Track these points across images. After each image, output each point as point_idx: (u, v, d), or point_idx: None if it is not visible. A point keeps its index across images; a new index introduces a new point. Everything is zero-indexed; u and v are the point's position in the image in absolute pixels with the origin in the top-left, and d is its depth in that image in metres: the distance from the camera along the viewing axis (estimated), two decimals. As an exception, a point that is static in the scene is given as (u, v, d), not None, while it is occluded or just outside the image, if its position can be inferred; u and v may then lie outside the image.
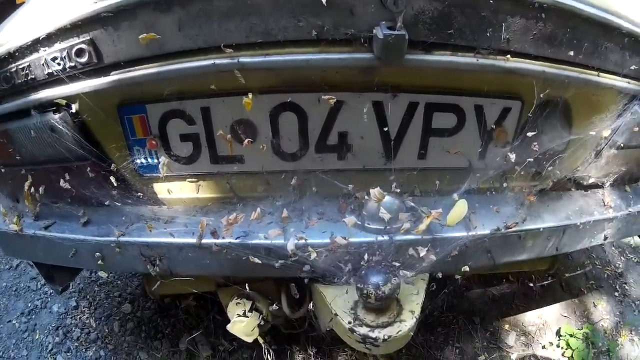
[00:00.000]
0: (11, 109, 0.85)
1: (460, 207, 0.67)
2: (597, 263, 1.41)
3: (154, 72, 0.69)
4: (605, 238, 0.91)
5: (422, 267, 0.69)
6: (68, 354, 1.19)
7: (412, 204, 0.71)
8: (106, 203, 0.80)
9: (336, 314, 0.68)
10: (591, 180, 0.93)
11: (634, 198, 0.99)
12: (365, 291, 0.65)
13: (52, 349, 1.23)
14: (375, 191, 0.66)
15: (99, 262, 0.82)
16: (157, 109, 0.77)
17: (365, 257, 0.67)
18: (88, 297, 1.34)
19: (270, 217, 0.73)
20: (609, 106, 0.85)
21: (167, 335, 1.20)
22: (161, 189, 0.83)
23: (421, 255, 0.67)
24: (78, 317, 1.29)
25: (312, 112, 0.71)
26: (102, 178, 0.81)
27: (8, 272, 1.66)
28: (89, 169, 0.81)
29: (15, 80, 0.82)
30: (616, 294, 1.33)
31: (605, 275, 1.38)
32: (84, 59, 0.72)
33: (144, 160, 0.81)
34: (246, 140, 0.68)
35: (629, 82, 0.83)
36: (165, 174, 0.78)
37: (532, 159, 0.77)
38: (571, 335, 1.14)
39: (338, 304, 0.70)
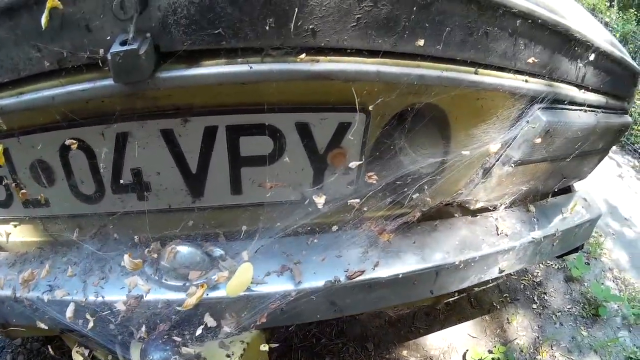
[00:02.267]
0: None
1: (245, 273, 0.38)
2: (512, 273, 0.99)
3: None
4: (501, 271, 0.55)
5: (217, 337, 0.39)
6: None
7: (221, 252, 0.40)
8: None
9: None
10: (480, 204, 0.56)
11: (539, 220, 0.61)
12: None
13: None
14: (126, 259, 0.37)
15: None
16: None
17: (143, 328, 0.38)
18: None
19: (75, 268, 0.45)
20: (499, 113, 0.46)
21: None
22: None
23: (207, 325, 0.37)
24: None
25: (99, 147, 0.48)
26: None
27: None
28: None
29: None
30: (534, 305, 0.95)
31: (522, 286, 1.00)
32: None
33: None
34: (20, 193, 0.50)
35: (525, 81, 0.45)
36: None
37: (378, 189, 0.43)
38: None
39: None
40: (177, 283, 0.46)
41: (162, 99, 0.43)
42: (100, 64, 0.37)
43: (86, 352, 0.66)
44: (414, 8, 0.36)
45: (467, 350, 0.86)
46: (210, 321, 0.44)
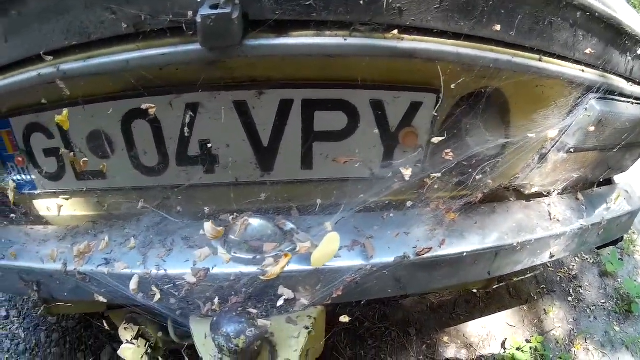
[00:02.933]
0: None
1: (331, 243, 0.41)
2: (549, 265, 1.06)
3: None
4: (552, 256, 0.60)
5: (293, 309, 0.43)
6: None
7: (293, 226, 0.44)
8: (10, 230, 0.60)
9: (201, 358, 0.44)
10: (534, 189, 0.61)
11: (587, 208, 0.66)
12: (216, 342, 0.40)
13: None
14: (208, 226, 0.40)
15: None
16: (19, 122, 0.62)
17: (216, 300, 0.41)
18: (18, 306, 1.17)
19: (135, 240, 0.49)
20: (556, 100, 0.51)
21: (90, 347, 1.03)
22: (41, 207, 0.66)
23: (285, 297, 0.41)
24: (8, 327, 1.13)
25: (166, 118, 0.50)
26: None
27: None
28: None
29: None
30: (570, 298, 1.01)
31: (558, 279, 1.06)
32: None
33: (19, 177, 0.60)
34: (81, 161, 0.51)
35: (582, 71, 0.49)
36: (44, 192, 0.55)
37: (450, 168, 0.47)
38: (518, 349, 0.85)
39: (207, 347, 0.46)
40: (247, 256, 0.48)
41: (238, 70, 0.44)
42: (185, 28, 0.38)
43: (135, 329, 0.69)
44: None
45: (506, 338, 0.92)
46: (287, 293, 0.46)
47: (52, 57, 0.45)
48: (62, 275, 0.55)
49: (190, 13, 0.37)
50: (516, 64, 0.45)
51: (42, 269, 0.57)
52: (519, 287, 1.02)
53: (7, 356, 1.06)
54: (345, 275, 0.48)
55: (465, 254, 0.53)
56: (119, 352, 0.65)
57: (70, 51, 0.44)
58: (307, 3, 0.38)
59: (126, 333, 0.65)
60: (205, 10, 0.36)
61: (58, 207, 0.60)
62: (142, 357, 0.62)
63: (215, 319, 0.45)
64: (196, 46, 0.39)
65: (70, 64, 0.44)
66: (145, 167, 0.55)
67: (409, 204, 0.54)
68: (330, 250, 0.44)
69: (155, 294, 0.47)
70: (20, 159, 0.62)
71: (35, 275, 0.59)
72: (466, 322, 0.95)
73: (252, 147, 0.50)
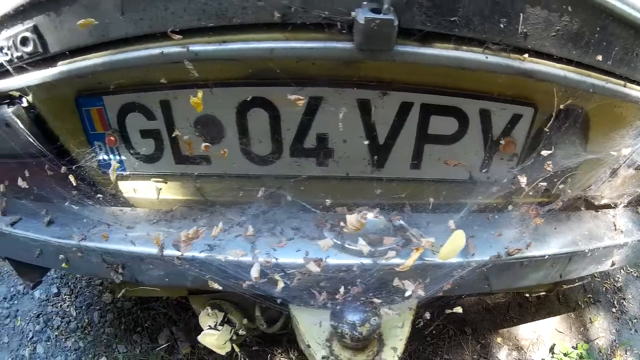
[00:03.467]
0: None
1: (457, 240, 0.50)
2: (596, 275, 1.22)
3: (98, 63, 0.55)
4: (613, 264, 0.73)
5: (409, 302, 0.52)
6: (48, 343, 1.09)
7: (402, 223, 0.54)
8: (66, 203, 0.65)
9: (309, 346, 0.53)
10: (604, 201, 0.74)
11: None
12: (339, 330, 0.49)
13: (32, 337, 1.13)
14: (352, 218, 0.49)
15: (64, 264, 0.69)
16: (114, 101, 0.63)
17: (342, 290, 0.51)
18: (70, 284, 1.22)
19: (239, 228, 0.57)
20: (631, 121, 0.64)
21: (146, 329, 1.09)
22: (126, 188, 0.69)
23: (408, 289, 0.50)
24: (59, 304, 1.18)
25: (286, 109, 0.56)
26: (62, 176, 0.66)
27: None
28: (46, 166, 0.66)
29: None
30: (614, 309, 1.15)
31: (604, 289, 1.20)
32: (29, 48, 0.58)
33: (106, 157, 0.66)
34: (203, 145, 0.54)
35: None
36: (133, 174, 0.62)
37: (544, 178, 0.59)
38: (565, 355, 0.98)
39: (312, 333, 0.55)
40: (369, 248, 0.54)
41: (367, 70, 0.50)
42: (339, 26, 0.43)
43: (220, 315, 0.76)
44: (597, 28, 0.50)
45: (555, 344, 1.03)
46: (409, 285, 0.52)
47: (181, 37, 0.48)
48: (155, 259, 0.60)
49: (352, 13, 0.42)
50: (608, 88, 0.54)
51: (132, 252, 0.61)
52: (567, 295, 1.15)
53: (56, 333, 1.10)
54: (451, 270, 0.56)
55: (546, 256, 0.63)
56: (199, 338, 0.69)
57: (201, 32, 0.47)
58: (452, 19, 0.46)
59: (209, 319, 0.69)
60: (367, 14, 0.41)
61: (157, 190, 0.63)
62: (225, 343, 0.70)
63: (339, 307, 0.51)
64: (346, 44, 0.44)
65: (203, 46, 0.47)
66: (256, 156, 0.59)
67: (509, 207, 0.64)
68: (456, 246, 0.52)
69: (278, 282, 0.52)
70: (112, 138, 0.67)
71: (123, 258, 0.63)
72: (518, 325, 1.07)
73: (368, 144, 0.56)
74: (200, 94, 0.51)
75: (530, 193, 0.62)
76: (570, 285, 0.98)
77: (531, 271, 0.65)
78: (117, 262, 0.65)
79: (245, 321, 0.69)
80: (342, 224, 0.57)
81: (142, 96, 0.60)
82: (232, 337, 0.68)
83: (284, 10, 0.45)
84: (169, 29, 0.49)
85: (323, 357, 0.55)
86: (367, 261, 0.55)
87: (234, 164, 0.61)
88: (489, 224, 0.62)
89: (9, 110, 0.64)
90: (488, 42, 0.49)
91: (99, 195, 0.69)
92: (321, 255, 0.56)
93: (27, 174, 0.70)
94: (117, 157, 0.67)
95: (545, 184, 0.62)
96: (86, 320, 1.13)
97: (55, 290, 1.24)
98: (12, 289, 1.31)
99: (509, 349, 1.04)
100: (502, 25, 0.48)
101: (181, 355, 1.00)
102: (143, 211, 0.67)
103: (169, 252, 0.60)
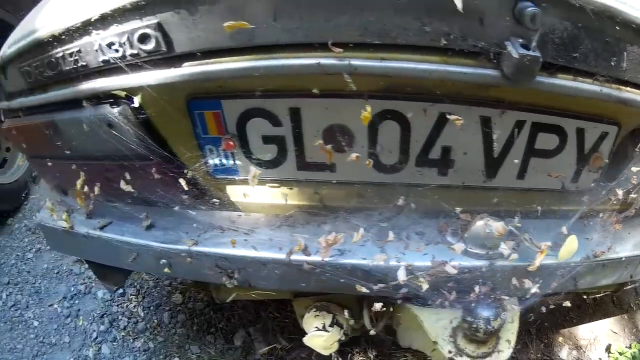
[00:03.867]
0: (58, 98, 0.65)
1: (572, 243, 0.57)
2: None
3: (240, 68, 0.54)
4: None
5: (529, 300, 0.55)
6: (114, 343, 1.05)
7: (513, 229, 0.56)
8: (175, 208, 0.62)
9: (435, 342, 0.54)
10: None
11: None
12: (474, 325, 0.51)
13: (96, 338, 1.08)
14: (497, 225, 0.51)
15: (165, 269, 0.66)
16: (235, 106, 0.60)
17: (477, 289, 0.52)
18: (136, 284, 1.17)
19: (366, 233, 0.57)
20: None
21: (220, 330, 1.07)
22: (236, 193, 0.67)
23: (529, 288, 0.53)
24: (125, 305, 1.13)
25: (417, 122, 0.57)
26: (169, 180, 0.62)
27: (49, 253, 1.46)
28: (153, 169, 0.62)
29: (62, 66, 0.62)
30: (664, 311, 1.25)
31: None
32: (149, 46, 0.54)
33: (217, 161, 0.64)
34: (354, 155, 0.56)
35: None
36: (246, 178, 0.60)
37: (630, 189, 0.64)
38: (620, 354, 1.07)
39: (437, 330, 0.57)
40: (481, 252, 0.57)
41: (492, 91, 0.53)
42: (491, 56, 0.48)
43: (329, 317, 0.75)
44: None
45: (610, 344, 1.09)
46: (529, 284, 0.56)
47: (342, 50, 0.48)
48: (279, 264, 0.59)
49: (508, 46, 0.47)
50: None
51: (254, 257, 0.60)
52: (621, 298, 1.20)
53: (123, 334, 1.06)
54: (557, 270, 0.59)
55: (623, 258, 0.67)
56: (305, 340, 0.70)
57: (360, 47, 0.48)
58: (575, 55, 0.52)
59: (315, 321, 0.70)
60: (520, 49, 0.47)
61: (283, 195, 0.61)
62: (332, 344, 0.70)
63: (474, 304, 0.55)
64: (493, 72, 0.49)
65: (363, 61, 0.48)
66: (383, 165, 0.59)
67: (601, 215, 0.68)
68: (571, 248, 0.56)
69: (422, 284, 0.54)
70: (231, 143, 0.63)
71: (241, 263, 0.62)
72: (577, 325, 1.13)
73: (484, 156, 0.59)
74: (369, 108, 0.51)
75: (612, 202, 0.67)
76: (623, 288, 1.05)
77: (610, 272, 0.71)
78: (233, 267, 0.63)
79: (352, 322, 0.70)
80: (467, 224, 0.59)
81: (269, 102, 0.58)
82: (339, 338, 0.68)
83: (446, 36, 0.48)
84: (329, 41, 0.49)
85: (449, 352, 0.57)
86: (496, 263, 0.57)
87: (359, 171, 0.60)
88: (580, 229, 0.67)
89: (114, 111, 0.60)
90: (597, 75, 0.52)
91: (209, 199, 0.66)
92: (446, 258, 0.58)
93: (127, 177, 0.65)
94: (231, 162, 0.64)
95: (629, 195, 0.67)
96: (155, 320, 1.09)
97: (120, 290, 1.18)
98: (72, 288, 1.25)
99: (570, 348, 1.11)
100: (609, 61, 0.54)
101: (258, 356, 0.99)
102: (261, 216, 0.65)
103: (296, 257, 0.59)
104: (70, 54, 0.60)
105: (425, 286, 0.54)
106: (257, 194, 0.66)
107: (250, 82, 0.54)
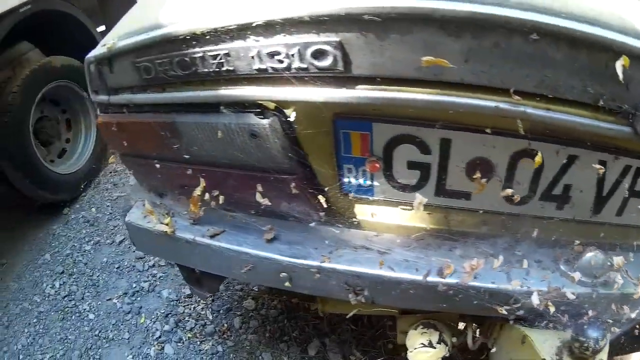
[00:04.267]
0: (184, 99, 0.59)
1: None
2: None
3: (422, 100, 0.53)
4: None
5: (626, 324, 0.61)
6: (179, 344, 0.99)
7: (615, 259, 0.62)
8: (311, 224, 0.60)
9: (544, 359, 0.59)
10: None
11: None
12: (585, 344, 0.57)
13: (159, 337, 1.01)
14: (618, 259, 0.56)
15: (286, 283, 0.64)
16: (386, 130, 0.60)
17: (590, 312, 0.57)
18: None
19: (492, 259, 0.59)
20: None
21: (294, 339, 1.04)
22: (364, 211, 0.66)
23: (626, 313, 0.59)
24: (192, 306, 1.07)
25: (549, 161, 0.60)
26: (305, 196, 0.60)
27: (110, 247, 1.35)
28: (293, 184, 0.59)
29: (199, 68, 0.57)
30: None
31: None
32: (323, 63, 0.52)
33: (353, 180, 0.63)
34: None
35: None
36: (379, 199, 0.60)
37: None
38: None
39: (545, 349, 0.61)
40: (588, 280, 0.61)
41: (619, 141, 0.56)
42: (628, 116, 0.51)
43: (435, 334, 0.76)
44: None
45: None
46: (627, 310, 0.59)
47: (519, 98, 0.50)
48: (414, 285, 0.59)
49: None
50: None
51: (390, 277, 0.60)
52: None
53: (189, 335, 0.99)
54: None
55: None
56: (410, 355, 0.69)
57: (531, 97, 0.51)
58: None
59: (421, 337, 0.70)
60: None
61: (415, 218, 0.62)
62: None
63: (585, 325, 0.59)
64: (626, 128, 0.52)
65: (534, 110, 0.51)
66: (510, 197, 0.60)
67: None
68: None
69: (550, 308, 0.58)
70: (377, 165, 0.62)
71: (373, 281, 0.62)
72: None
73: (595, 195, 0.62)
74: (539, 154, 0.55)
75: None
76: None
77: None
78: (364, 285, 0.63)
79: (454, 339, 0.72)
80: (578, 254, 0.63)
81: (423, 131, 0.58)
82: (445, 355, 0.71)
83: (602, 97, 0.51)
84: (510, 88, 0.50)
85: (555, 368, 0.62)
86: (603, 290, 0.63)
87: (491, 201, 0.63)
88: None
89: (262, 122, 0.57)
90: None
91: (340, 217, 0.65)
92: (559, 284, 0.62)
93: (260, 188, 0.62)
94: (368, 182, 0.63)
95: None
96: (225, 324, 1.04)
97: (187, 291, 1.10)
98: (134, 285, 1.15)
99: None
100: None
101: (332, 367, 0.96)
102: (395, 237, 0.65)
103: (432, 278, 0.60)
104: (214, 56, 0.55)
105: (552, 309, 0.58)
106: (383, 213, 0.66)
107: (412, 111, 0.54)
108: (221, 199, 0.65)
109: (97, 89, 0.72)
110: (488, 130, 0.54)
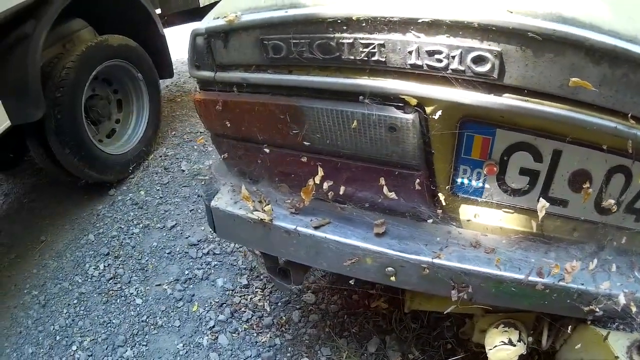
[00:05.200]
0: (317, 85, 0.58)
1: None
2: None
3: (557, 114, 0.56)
4: None
5: None
6: (234, 335, 0.92)
7: None
8: (429, 221, 0.61)
9: (617, 357, 0.64)
10: None
11: None
12: None
13: (213, 326, 0.93)
14: None
15: (391, 277, 0.63)
16: (508, 137, 0.63)
17: None
18: (262, 277, 1.02)
19: (580, 263, 0.64)
20: None
21: (354, 335, 1.00)
22: (467, 212, 0.68)
23: None
24: (249, 297, 1.00)
25: (637, 177, 0.64)
26: (427, 193, 0.60)
27: (160, 231, 1.23)
28: (417, 180, 0.60)
29: (343, 54, 0.56)
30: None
31: None
32: (481, 69, 0.54)
33: (466, 181, 0.65)
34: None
35: None
36: (487, 201, 0.62)
37: None
38: None
39: (618, 348, 0.66)
40: None
41: None
42: None
43: (515, 333, 0.76)
44: None
45: None
46: None
47: (634, 122, 0.54)
48: (516, 284, 0.61)
49: None
50: None
51: (495, 275, 0.61)
52: None
53: (245, 326, 0.89)
54: None
55: None
56: (491, 353, 0.69)
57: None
58: None
59: (501, 336, 0.70)
60: None
61: (518, 221, 0.64)
62: (514, 358, 0.73)
63: None
64: None
65: None
66: (603, 207, 0.64)
67: None
68: None
69: (632, 308, 0.60)
70: (495, 168, 0.64)
71: (478, 280, 0.62)
72: None
73: None
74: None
75: None
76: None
77: None
78: (470, 282, 0.64)
79: (530, 339, 0.75)
80: None
81: (539, 140, 0.61)
82: (523, 352, 0.73)
83: None
84: (628, 112, 0.55)
85: (626, 364, 0.67)
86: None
87: (585, 209, 0.67)
88: None
89: (406, 116, 0.56)
90: None
91: (447, 215, 0.65)
92: (633, 289, 0.68)
93: (383, 182, 0.61)
94: (480, 184, 0.65)
95: None
96: (284, 317, 0.97)
97: (244, 281, 1.02)
98: (187, 272, 1.03)
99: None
100: None
101: (392, 365, 0.93)
102: (496, 238, 0.66)
103: (532, 278, 0.63)
104: (366, 45, 0.54)
105: (634, 309, 0.63)
106: (486, 215, 0.68)
107: (539, 122, 0.57)
108: (341, 189, 0.62)
109: (200, 63, 0.66)
110: (604, 147, 0.58)
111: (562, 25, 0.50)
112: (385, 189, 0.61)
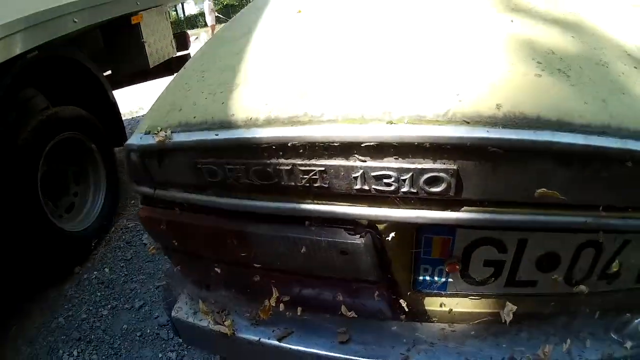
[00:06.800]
0: (259, 209, 0.48)
1: None
2: None
3: (521, 220, 0.49)
4: None
5: None
6: None
7: None
8: (393, 328, 0.55)
9: None
10: None
11: None
12: None
13: None
14: None
15: None
16: (469, 234, 0.55)
17: None
18: None
19: (553, 338, 0.59)
20: None
21: None
22: (433, 304, 0.61)
23: None
24: None
25: (607, 249, 0.59)
26: (388, 301, 0.54)
27: (129, 312, 1.13)
28: (376, 292, 0.53)
29: (283, 180, 0.46)
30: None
31: None
32: (435, 189, 0.46)
33: (428, 278, 0.58)
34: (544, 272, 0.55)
35: None
36: (451, 293, 0.56)
37: None
38: None
39: None
40: (634, 343, 0.60)
41: None
42: None
43: None
44: None
45: None
46: None
47: (605, 213, 0.48)
48: None
49: None
50: None
51: None
52: None
53: None
54: None
55: None
56: None
57: (615, 209, 0.48)
58: None
59: None
60: None
61: (483, 306, 0.58)
62: None
63: None
64: None
65: (612, 220, 0.49)
66: (569, 280, 0.59)
67: None
68: None
69: None
70: (457, 266, 0.56)
71: None
72: None
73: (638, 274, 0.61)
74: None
75: None
76: None
77: None
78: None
79: None
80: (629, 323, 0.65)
81: (505, 234, 0.53)
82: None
83: None
84: (600, 205, 0.48)
85: None
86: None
87: (554, 285, 0.62)
88: None
89: (356, 239, 0.48)
90: None
91: (411, 313, 0.59)
92: (611, 352, 0.64)
93: (341, 297, 0.54)
94: (443, 279, 0.58)
95: None
96: None
97: None
98: (160, 354, 0.98)
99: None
100: None
101: None
102: (466, 327, 0.61)
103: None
104: (306, 172, 0.44)
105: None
106: (452, 304, 0.61)
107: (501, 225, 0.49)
108: (299, 309, 0.55)
109: (138, 179, 0.55)
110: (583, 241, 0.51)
111: (526, 132, 0.41)
112: (343, 308, 0.54)
